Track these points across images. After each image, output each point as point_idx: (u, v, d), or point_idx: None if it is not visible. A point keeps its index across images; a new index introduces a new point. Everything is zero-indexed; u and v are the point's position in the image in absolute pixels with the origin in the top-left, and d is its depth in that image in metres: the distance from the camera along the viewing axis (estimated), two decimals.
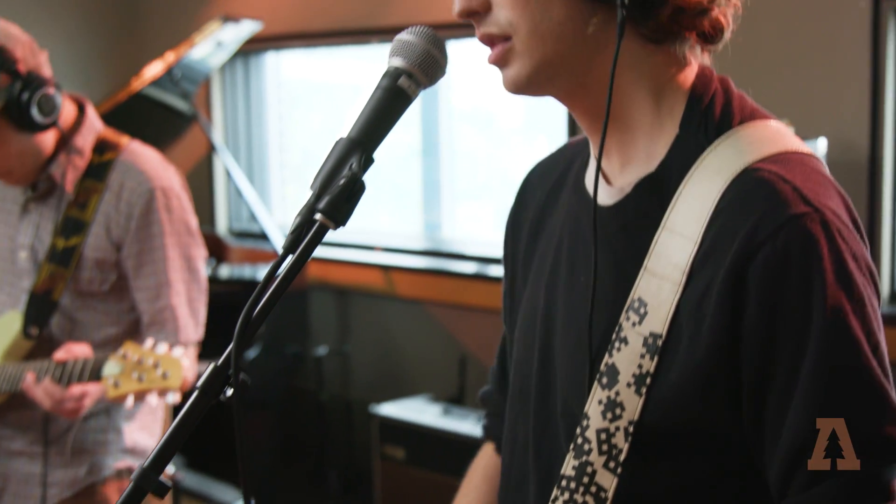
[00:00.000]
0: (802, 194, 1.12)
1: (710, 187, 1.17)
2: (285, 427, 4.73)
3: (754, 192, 1.14)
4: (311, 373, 4.73)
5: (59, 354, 2.24)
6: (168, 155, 5.19)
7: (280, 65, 5.47)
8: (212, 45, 4.50)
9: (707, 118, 1.22)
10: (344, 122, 5.30)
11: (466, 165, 4.94)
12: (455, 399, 4.24)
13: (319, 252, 4.50)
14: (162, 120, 4.87)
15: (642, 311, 1.19)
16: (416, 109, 4.86)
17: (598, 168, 1.24)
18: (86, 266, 2.41)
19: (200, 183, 5.56)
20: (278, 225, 5.07)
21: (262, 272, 4.30)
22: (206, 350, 4.01)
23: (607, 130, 1.23)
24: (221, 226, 5.53)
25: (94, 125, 2.49)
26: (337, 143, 1.19)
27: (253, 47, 5.10)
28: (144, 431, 2.60)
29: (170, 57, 4.38)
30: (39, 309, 2.40)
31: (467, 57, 4.63)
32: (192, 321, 2.47)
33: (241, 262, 4.87)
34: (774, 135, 1.21)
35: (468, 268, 4.58)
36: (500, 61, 1.24)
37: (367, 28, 4.76)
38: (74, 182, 2.41)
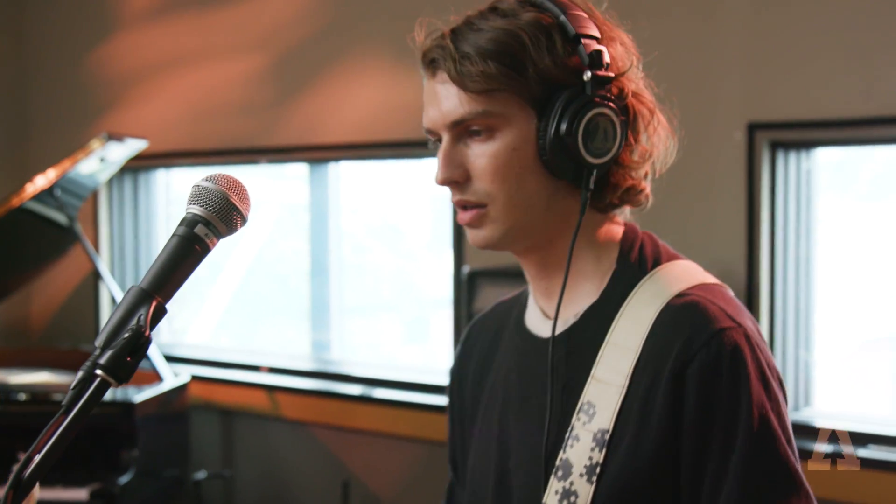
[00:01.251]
0: (727, 312, 1.38)
1: (647, 310, 1.41)
2: None
3: (686, 310, 1.38)
4: (190, 498, 4.58)
5: None
6: (53, 271, 5.13)
7: (170, 181, 5.42)
8: (96, 163, 4.44)
9: (639, 259, 1.47)
10: (238, 238, 5.25)
11: (355, 284, 4.91)
12: None
13: (203, 371, 4.42)
14: (46, 237, 4.78)
15: (591, 411, 1.40)
16: (305, 227, 4.84)
17: (558, 306, 1.45)
18: None
19: (85, 300, 5.45)
20: (161, 345, 4.97)
21: (137, 394, 4.16)
22: (71, 477, 3.89)
23: (554, 275, 1.49)
24: None
25: None
26: (128, 291, 1.15)
27: (142, 164, 5.06)
28: None
29: (51, 174, 4.31)
30: None
31: (361, 176, 4.65)
32: None
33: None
34: (694, 270, 1.47)
35: (355, 390, 4.51)
36: (475, 224, 1.44)
37: (256, 147, 4.75)
38: None
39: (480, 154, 1.41)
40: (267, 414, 4.69)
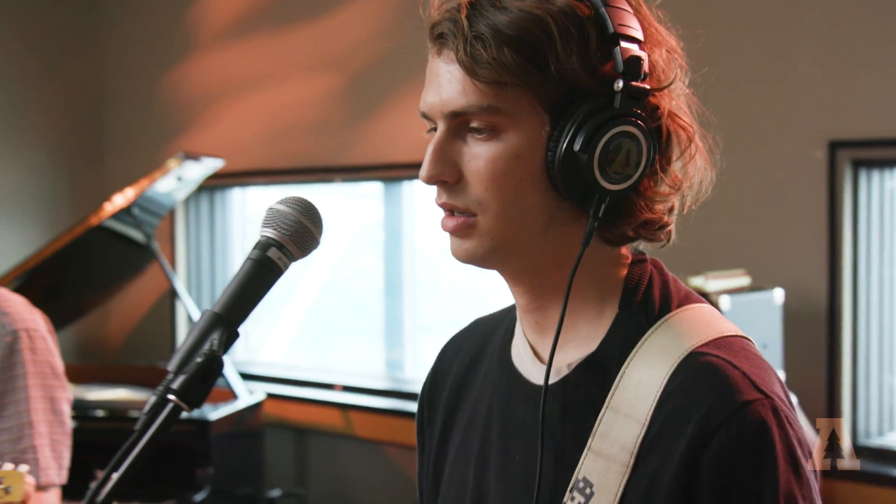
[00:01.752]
0: (752, 380, 1.14)
1: (657, 369, 1.16)
2: None
3: (704, 376, 1.14)
4: None
5: None
6: (131, 288, 5.20)
7: (245, 199, 5.47)
8: (173, 182, 4.49)
9: (646, 302, 1.23)
10: (311, 256, 5.28)
11: (430, 302, 4.90)
12: None
13: (277, 389, 4.43)
14: (125, 254, 4.84)
15: (588, 491, 1.17)
16: (379, 245, 4.85)
17: (552, 353, 1.21)
18: None
19: (162, 317, 5.51)
20: (236, 363, 5.00)
21: (215, 412, 4.19)
22: (149, 493, 3.92)
23: (547, 309, 1.25)
24: None
25: None
26: (202, 316, 1.15)
27: (218, 182, 5.11)
28: None
29: (129, 193, 4.37)
30: None
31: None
32: (54, 464, 2.43)
33: None
34: (711, 318, 1.22)
35: None
36: (459, 233, 1.22)
37: (330, 167, 4.77)
38: None
39: (478, 155, 1.19)
40: (340, 432, 4.70)
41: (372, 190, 4.94)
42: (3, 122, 5.31)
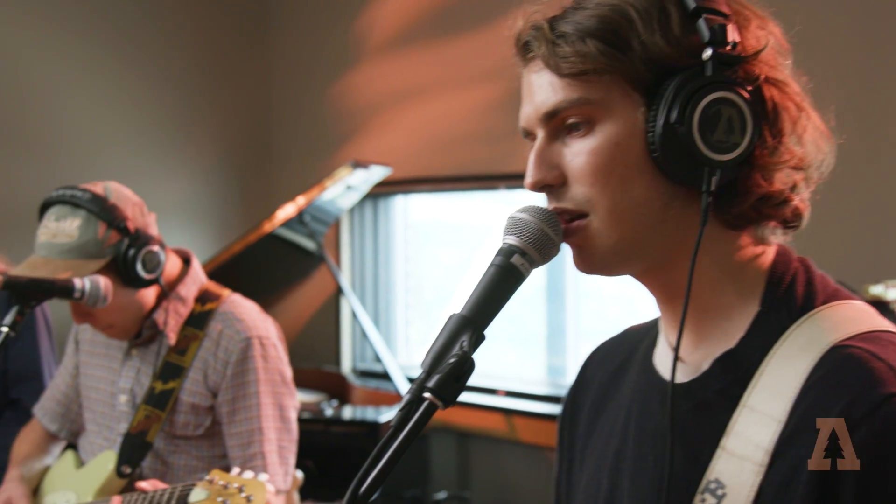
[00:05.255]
0: None
1: (796, 365, 1.12)
2: None
3: (846, 369, 1.09)
4: None
5: (144, 484, 2.26)
6: (296, 293, 5.34)
7: (408, 207, 5.56)
8: (342, 189, 4.61)
9: (790, 298, 1.19)
10: (471, 262, 5.33)
11: (592, 307, 4.91)
12: None
13: None
14: (292, 260, 4.98)
15: (720, 492, 1.13)
16: None
17: (677, 347, 1.18)
18: (181, 410, 2.47)
19: (327, 321, 5.63)
20: (401, 366, 5.07)
21: (384, 415, 4.29)
22: (322, 492, 4.02)
23: (680, 309, 1.20)
24: (346, 365, 5.58)
25: (198, 277, 2.58)
26: (449, 319, 1.19)
27: (382, 190, 5.20)
28: None
29: (300, 200, 4.49)
30: (133, 449, 2.45)
31: None
32: (281, 469, 2.49)
33: (364, 403, 4.87)
34: (861, 314, 1.17)
35: None
36: (576, 240, 1.22)
37: (494, 174, 4.82)
38: (176, 329, 2.48)
39: (578, 152, 1.19)
40: (503, 437, 4.73)
41: (534, 198, 4.97)
42: (177, 132, 5.51)
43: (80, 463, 2.62)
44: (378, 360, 5.50)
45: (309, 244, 4.86)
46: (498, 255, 1.23)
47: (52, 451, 2.78)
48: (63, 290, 2.18)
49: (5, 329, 2.09)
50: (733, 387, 1.17)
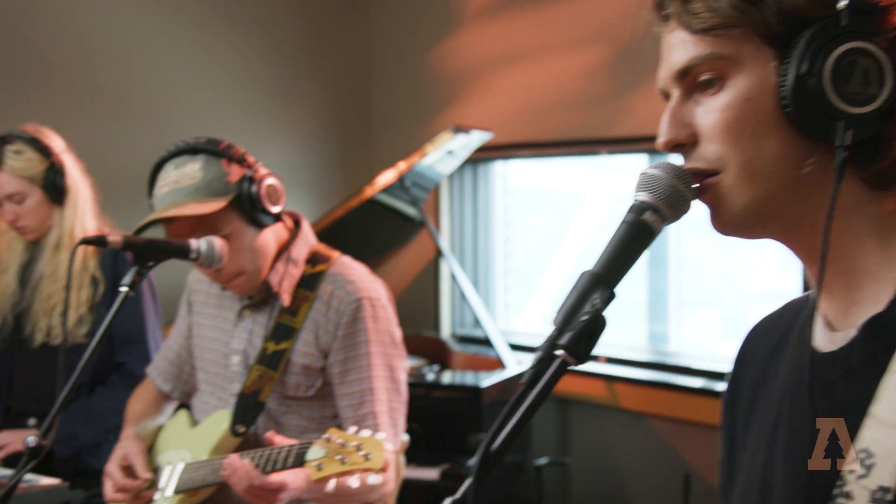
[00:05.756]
0: None
1: None
2: None
3: None
4: (531, 483, 4.67)
5: (270, 435, 2.27)
6: (396, 259, 5.37)
7: (507, 172, 5.54)
8: (442, 155, 4.60)
9: None
10: (570, 229, 5.30)
11: (693, 275, 4.85)
12: None
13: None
14: (392, 225, 5.00)
15: (868, 462, 1.09)
16: None
17: (815, 309, 1.16)
18: (292, 371, 2.49)
19: (426, 287, 5.65)
20: (501, 332, 5.07)
21: (485, 380, 4.30)
22: (423, 456, 4.04)
23: (832, 274, 1.16)
24: (445, 331, 5.59)
25: (309, 239, 2.59)
26: (580, 276, 1.18)
27: (482, 155, 5.18)
28: None
29: (401, 165, 4.50)
30: (247, 408, 2.48)
31: None
32: (391, 430, 2.49)
33: (464, 368, 4.89)
34: None
35: (694, 382, 4.46)
36: (709, 199, 1.19)
37: (596, 139, 4.77)
38: (290, 290, 2.50)
39: (710, 109, 1.16)
40: (605, 404, 4.71)
41: (634, 162, 4.92)
42: (278, 100, 5.56)
43: (194, 422, 2.66)
44: (477, 325, 5.51)
45: (409, 210, 4.87)
46: (629, 211, 1.21)
47: (164, 411, 2.83)
48: (180, 250, 2.21)
49: (124, 289, 2.12)
50: (882, 352, 1.12)
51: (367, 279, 2.54)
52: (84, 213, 3.36)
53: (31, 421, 3.39)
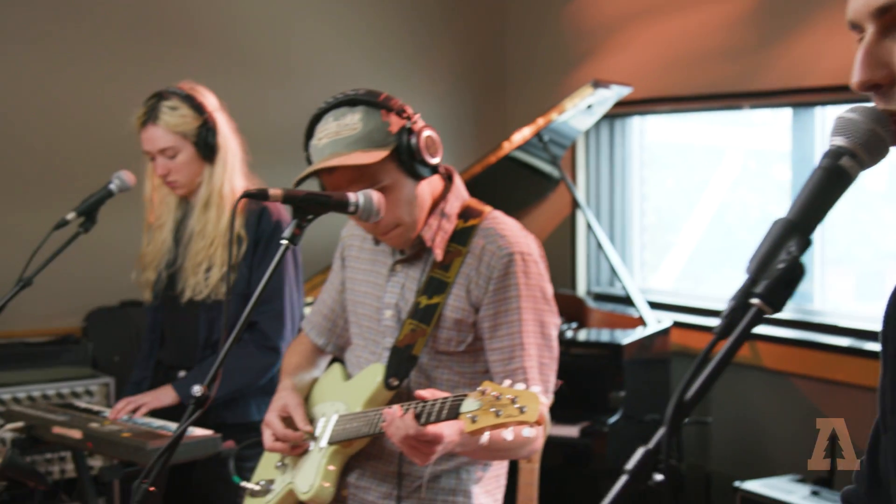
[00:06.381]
0: None
1: None
2: (641, 496, 4.65)
3: None
4: (672, 441, 4.64)
5: (424, 393, 2.27)
6: (530, 217, 5.34)
7: (644, 128, 5.46)
8: (581, 110, 4.55)
9: None
10: (707, 186, 5.21)
11: (838, 235, 4.73)
12: (824, 481, 4.02)
13: (682, 318, 4.39)
14: (527, 183, 4.98)
15: None
16: (788, 176, 4.72)
17: None
18: (444, 325, 2.48)
19: (561, 244, 5.62)
20: (639, 290, 5.02)
21: (626, 337, 4.26)
22: (562, 413, 4.03)
23: None
24: (580, 288, 5.56)
25: (461, 193, 2.58)
26: (773, 224, 1.15)
27: (618, 111, 5.12)
28: (490, 497, 2.63)
29: (539, 121, 4.46)
30: (401, 362, 2.48)
31: None
32: (541, 386, 2.46)
33: (600, 325, 4.86)
34: None
35: (840, 342, 4.35)
36: None
37: (739, 92, 4.67)
38: (443, 245, 2.49)
39: None
40: (746, 362, 4.64)
41: (776, 117, 4.80)
42: (414, 56, 5.57)
43: (347, 375, 2.68)
44: (612, 283, 5.47)
45: (545, 166, 4.84)
46: (825, 157, 1.18)
47: (319, 364, 2.86)
48: (339, 204, 2.21)
49: (284, 242, 2.14)
50: None
51: (520, 234, 2.52)
52: (233, 172, 3.41)
53: (181, 374, 3.48)
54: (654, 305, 4.98)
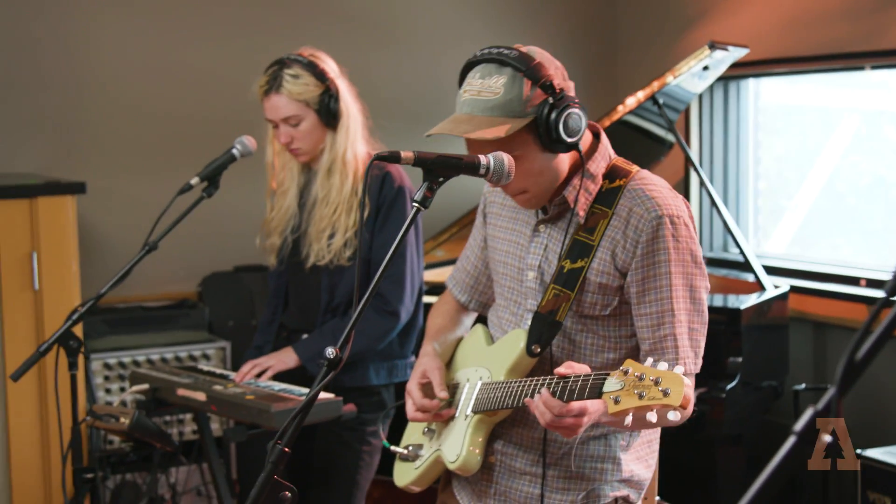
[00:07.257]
0: None
1: None
2: (758, 462, 4.60)
3: None
4: (787, 408, 4.56)
5: (561, 369, 2.24)
6: None
7: (759, 90, 5.35)
8: (696, 73, 4.47)
9: None
10: (823, 149, 5.09)
11: None
12: None
13: (800, 283, 4.30)
14: (640, 147, 4.91)
15: None
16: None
17: None
18: (589, 289, 2.43)
19: None
20: (755, 255, 4.94)
21: (745, 303, 4.19)
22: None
23: None
24: None
25: (607, 152, 2.51)
26: None
27: (732, 73, 5.01)
28: (641, 463, 2.59)
29: (654, 84, 4.40)
30: (543, 328, 2.44)
31: None
32: (692, 352, 2.40)
33: (714, 290, 4.79)
34: None
35: None
36: None
37: (861, 52, 4.54)
38: (586, 207, 2.43)
39: None
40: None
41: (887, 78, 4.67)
42: (525, 20, 5.54)
43: (491, 339, 2.65)
44: (726, 248, 5.39)
45: (657, 130, 4.77)
46: None
47: (463, 323, 2.83)
48: (469, 166, 2.19)
49: (415, 205, 2.14)
50: None
51: (669, 194, 2.43)
52: (355, 138, 3.43)
53: (304, 337, 3.52)
54: (769, 270, 4.89)
